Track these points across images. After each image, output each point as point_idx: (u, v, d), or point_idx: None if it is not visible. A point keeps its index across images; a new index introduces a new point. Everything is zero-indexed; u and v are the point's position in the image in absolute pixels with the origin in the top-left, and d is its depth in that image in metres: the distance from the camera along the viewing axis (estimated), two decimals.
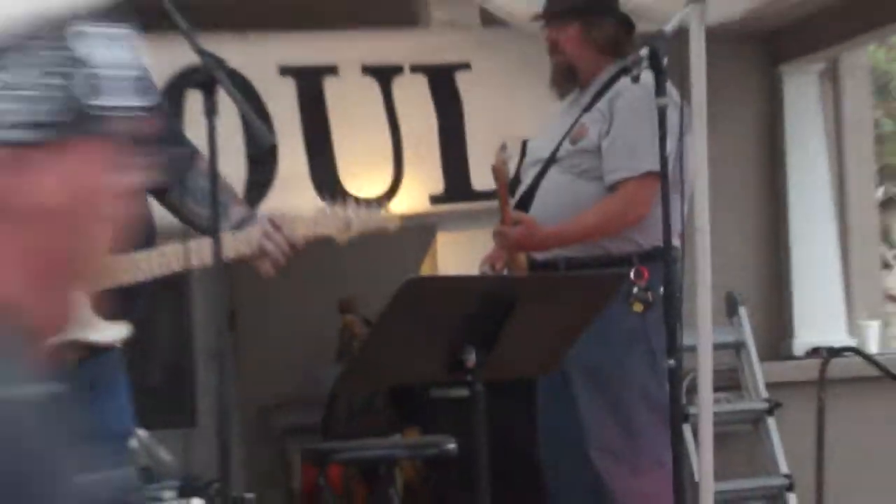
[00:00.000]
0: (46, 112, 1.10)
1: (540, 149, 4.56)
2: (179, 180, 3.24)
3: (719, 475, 4.05)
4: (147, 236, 3.14)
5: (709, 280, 3.90)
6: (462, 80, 5.73)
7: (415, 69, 5.70)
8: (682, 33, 3.80)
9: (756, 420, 5.96)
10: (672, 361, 3.58)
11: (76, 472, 1.09)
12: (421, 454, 5.25)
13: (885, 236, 10.25)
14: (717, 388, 4.21)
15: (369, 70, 5.64)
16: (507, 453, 4.22)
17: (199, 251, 3.03)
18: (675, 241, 3.87)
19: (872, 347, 6.36)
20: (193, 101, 4.01)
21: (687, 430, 4.81)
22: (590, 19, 4.45)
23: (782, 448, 5.83)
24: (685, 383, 4.53)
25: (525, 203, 4.47)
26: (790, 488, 5.77)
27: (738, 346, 6.03)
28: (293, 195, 5.37)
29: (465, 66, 5.73)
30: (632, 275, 4.21)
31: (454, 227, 5.83)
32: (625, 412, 4.27)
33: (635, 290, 4.20)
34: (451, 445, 4.60)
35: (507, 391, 3.99)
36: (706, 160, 3.90)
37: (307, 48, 5.53)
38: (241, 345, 6.40)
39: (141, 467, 4.22)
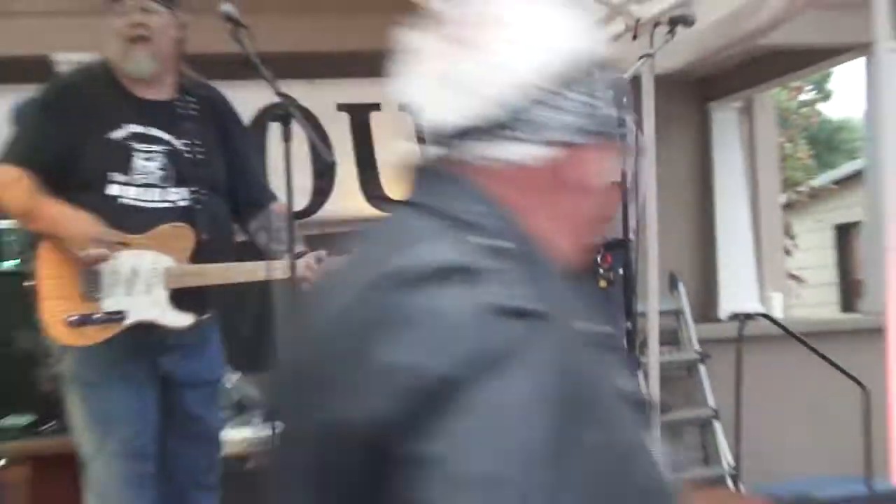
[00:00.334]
0: (595, 123, 1.16)
1: None
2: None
3: (664, 408, 4.04)
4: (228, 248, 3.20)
5: (655, 263, 3.91)
6: None
7: None
8: (636, 79, 3.79)
9: (690, 367, 5.94)
10: (629, 324, 3.59)
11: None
12: None
13: (787, 230, 10.31)
14: (662, 344, 4.22)
15: (405, 107, 5.60)
16: None
17: (271, 268, 3.05)
18: (631, 235, 3.86)
19: (777, 313, 6.35)
20: (273, 131, 4.03)
21: (640, 375, 4.80)
22: None
23: (711, 388, 5.83)
24: (638, 340, 4.52)
25: None
26: (716, 417, 5.78)
27: (678, 313, 6.02)
28: (348, 200, 5.36)
29: None
30: (598, 259, 4.19)
31: None
32: None
33: (601, 271, 4.18)
34: None
35: None
36: (654, 175, 3.91)
37: (358, 90, 5.50)
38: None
39: (234, 401, 4.23)
